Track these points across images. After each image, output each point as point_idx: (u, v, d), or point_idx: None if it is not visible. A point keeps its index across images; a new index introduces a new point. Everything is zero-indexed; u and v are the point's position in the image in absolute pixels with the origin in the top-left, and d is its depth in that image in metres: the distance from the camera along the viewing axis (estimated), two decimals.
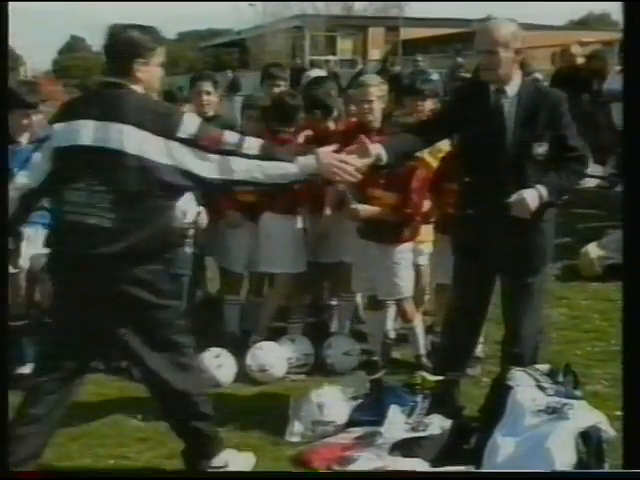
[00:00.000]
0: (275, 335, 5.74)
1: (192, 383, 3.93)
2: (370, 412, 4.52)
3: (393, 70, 17.19)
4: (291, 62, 25.70)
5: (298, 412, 4.66)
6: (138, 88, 3.73)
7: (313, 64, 21.62)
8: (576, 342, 5.84)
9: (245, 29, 44.86)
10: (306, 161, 3.74)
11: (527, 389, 4.13)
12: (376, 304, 5.57)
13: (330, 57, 26.56)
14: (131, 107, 3.64)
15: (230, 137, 3.73)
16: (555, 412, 3.91)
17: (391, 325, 5.75)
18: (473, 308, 4.61)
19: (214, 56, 53.11)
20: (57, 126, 3.77)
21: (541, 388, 4.17)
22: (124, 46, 3.72)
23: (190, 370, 3.94)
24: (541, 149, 4.28)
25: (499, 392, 4.21)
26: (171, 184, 3.64)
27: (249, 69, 36.95)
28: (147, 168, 3.59)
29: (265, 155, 3.69)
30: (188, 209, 5.26)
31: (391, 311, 5.68)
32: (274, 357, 5.40)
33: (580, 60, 10.87)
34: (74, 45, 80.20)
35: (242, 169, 3.66)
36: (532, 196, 4.21)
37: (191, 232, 5.47)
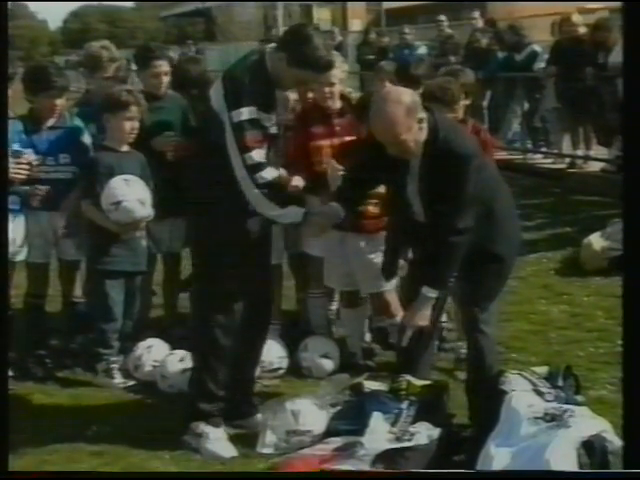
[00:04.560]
0: None
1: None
2: (350, 420, 4.52)
3: (380, 42, 17.16)
4: (262, 34, 25.67)
5: (271, 421, 4.66)
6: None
7: None
8: (578, 342, 5.87)
9: None
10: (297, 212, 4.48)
11: (523, 394, 4.15)
12: (354, 300, 5.60)
13: None
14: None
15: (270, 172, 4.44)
16: (554, 420, 3.92)
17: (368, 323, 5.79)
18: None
19: (176, 27, 52.93)
20: None
21: (539, 393, 4.20)
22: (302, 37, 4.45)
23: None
24: (436, 209, 4.33)
25: (492, 398, 4.24)
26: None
27: (215, 41, 36.93)
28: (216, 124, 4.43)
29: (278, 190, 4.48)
30: (146, 198, 5.26)
31: (368, 307, 5.72)
32: None
33: (582, 30, 10.87)
34: (16, 12, 79.46)
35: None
36: (417, 312, 4.47)
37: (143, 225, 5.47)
